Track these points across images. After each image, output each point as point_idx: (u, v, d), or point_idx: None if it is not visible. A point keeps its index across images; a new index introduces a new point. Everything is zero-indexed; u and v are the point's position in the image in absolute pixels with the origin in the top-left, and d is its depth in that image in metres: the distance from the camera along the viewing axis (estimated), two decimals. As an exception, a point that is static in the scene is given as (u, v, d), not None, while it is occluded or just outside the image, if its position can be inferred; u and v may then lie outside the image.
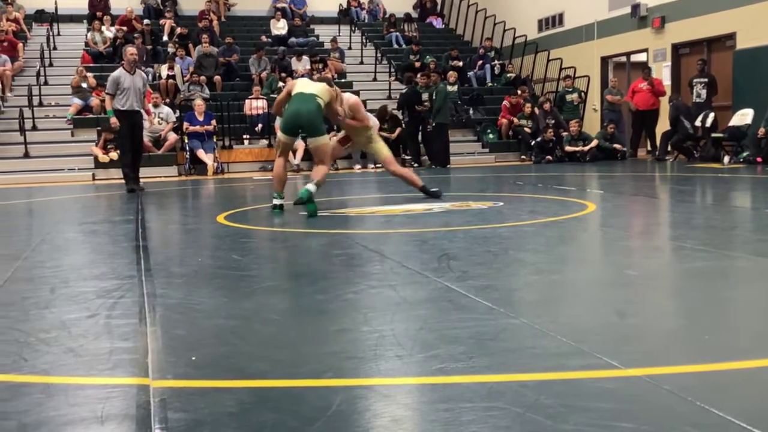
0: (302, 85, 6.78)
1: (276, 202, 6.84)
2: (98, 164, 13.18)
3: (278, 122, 7.86)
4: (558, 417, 1.88)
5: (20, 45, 16.41)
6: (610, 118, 14.81)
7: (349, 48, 18.79)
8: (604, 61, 16.48)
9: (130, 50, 9.79)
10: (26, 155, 13.48)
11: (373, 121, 7.46)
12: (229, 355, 2.50)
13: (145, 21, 17.58)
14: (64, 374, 2.33)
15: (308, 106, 6.59)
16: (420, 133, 14.19)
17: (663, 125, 14.13)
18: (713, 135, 12.65)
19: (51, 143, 13.87)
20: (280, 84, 15.81)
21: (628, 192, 8.56)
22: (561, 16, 17.75)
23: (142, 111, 9.99)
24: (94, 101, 14.59)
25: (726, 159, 12.01)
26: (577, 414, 1.89)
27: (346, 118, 7.05)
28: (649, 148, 14.76)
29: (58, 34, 17.89)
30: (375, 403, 2.07)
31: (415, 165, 14.02)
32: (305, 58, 16.65)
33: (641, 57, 15.55)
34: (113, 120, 9.67)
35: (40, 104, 14.79)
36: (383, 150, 7.43)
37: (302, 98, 6.64)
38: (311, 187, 6.38)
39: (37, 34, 17.79)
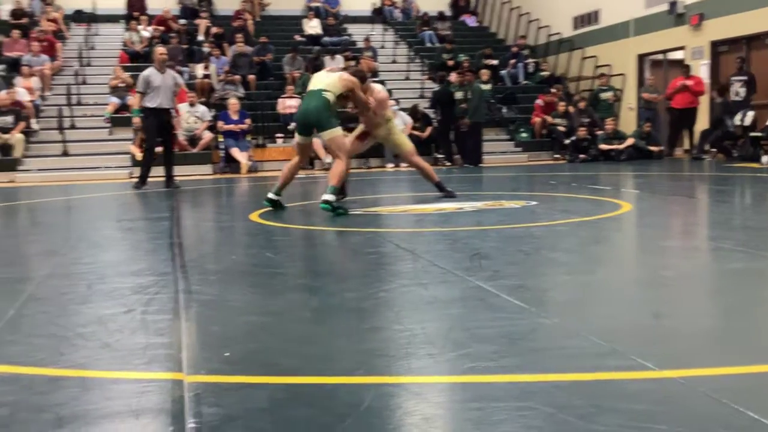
0: (313, 82, 6.81)
1: (269, 195, 6.84)
2: (135, 162, 13.35)
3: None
4: (590, 418, 1.86)
5: (59, 45, 16.70)
6: (646, 116, 14.62)
7: (382, 47, 18.80)
8: (641, 58, 16.26)
9: (160, 50, 9.97)
10: (65, 153, 13.73)
11: (391, 113, 7.30)
12: (262, 351, 2.53)
13: (181, 21, 17.80)
14: (100, 368, 2.37)
15: (314, 103, 6.56)
16: (452, 131, 14.15)
17: (701, 124, 13.91)
18: (752, 134, 12.41)
19: (89, 141, 14.11)
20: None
21: (664, 191, 8.44)
22: (597, 13, 17.56)
23: (171, 110, 10.08)
24: (131, 100, 14.79)
25: (765, 158, 11.78)
26: (610, 415, 1.88)
27: (370, 108, 6.93)
28: (686, 147, 14.54)
29: (96, 34, 18.18)
30: (406, 401, 2.07)
31: (448, 164, 13.99)
32: (338, 57, 16.70)
33: (679, 55, 15.32)
34: (136, 119, 9.85)
35: (79, 103, 15.04)
36: (405, 142, 7.37)
37: (309, 95, 6.66)
38: (328, 197, 6.29)
39: (76, 33, 18.10)
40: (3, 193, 10.72)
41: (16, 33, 16.04)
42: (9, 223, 7.58)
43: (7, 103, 13.32)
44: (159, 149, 10.25)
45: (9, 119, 13.30)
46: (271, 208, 6.75)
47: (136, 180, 10.03)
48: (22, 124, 13.41)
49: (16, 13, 17.43)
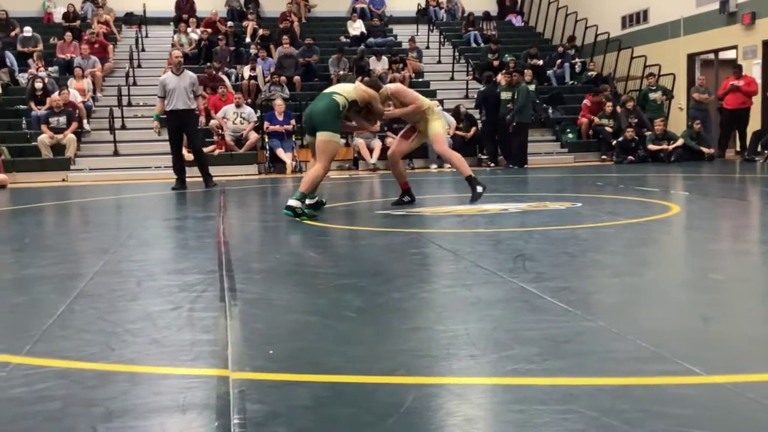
0: (330, 88, 6.86)
1: (308, 201, 6.60)
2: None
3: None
4: (635, 422, 1.84)
5: (110, 47, 17.08)
6: (696, 117, 14.32)
7: (427, 47, 18.78)
8: (691, 58, 15.94)
9: (176, 53, 10.33)
10: (116, 153, 14.04)
11: (425, 101, 6.96)
12: (305, 349, 2.55)
13: (229, 23, 18.03)
14: (148, 364, 2.42)
15: (322, 103, 6.47)
16: (497, 132, 14.05)
17: (753, 124, 13.58)
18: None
19: (139, 142, 14.40)
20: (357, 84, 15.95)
21: (714, 193, 8.26)
22: (646, 12, 17.27)
23: (193, 109, 10.16)
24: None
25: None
26: (655, 420, 1.85)
27: (396, 108, 6.82)
28: (737, 148, 14.20)
29: (146, 36, 18.55)
30: (448, 402, 2.07)
31: (492, 165, 13.91)
32: (384, 58, 16.74)
33: (730, 54, 14.98)
34: (155, 124, 10.19)
35: (129, 104, 15.36)
36: (437, 128, 6.91)
37: (320, 97, 6.63)
38: (293, 202, 6.16)
39: (127, 36, 18.49)
40: (56, 191, 11.00)
41: (68, 36, 16.46)
42: (61, 222, 7.78)
43: (60, 104, 13.67)
44: (188, 153, 10.51)
45: (62, 120, 13.65)
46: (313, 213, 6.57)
47: (175, 185, 10.25)
48: (74, 125, 13.75)
49: (69, 16, 17.89)
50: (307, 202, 6.53)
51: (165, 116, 10.15)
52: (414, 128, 7.10)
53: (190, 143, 10.55)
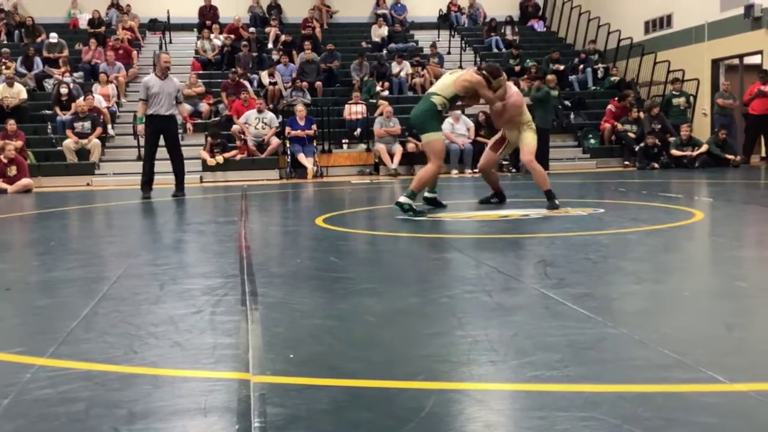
0: (433, 85, 7.00)
1: (426, 194, 7.11)
2: (205, 167, 13.70)
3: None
4: (657, 430, 1.82)
5: (134, 53, 17.27)
6: (721, 122, 14.17)
7: (448, 53, 18.77)
8: (715, 63, 15.79)
9: (164, 57, 9.90)
10: (139, 158, 14.11)
11: (526, 112, 7.02)
12: (326, 353, 2.56)
13: (251, 29, 18.15)
14: (171, 367, 2.44)
15: (421, 106, 6.78)
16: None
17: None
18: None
19: (161, 147, 14.48)
20: (378, 89, 16.00)
21: (739, 200, 8.17)
22: (669, 17, 17.14)
23: (176, 116, 9.90)
24: (203, 107, 15.18)
25: None
26: (678, 428, 1.83)
27: (497, 104, 6.81)
28: (763, 154, 14.04)
29: (170, 42, 18.71)
30: (468, 407, 2.07)
31: (513, 171, 13.86)
32: (405, 63, 16.77)
33: (755, 59, 14.81)
34: (140, 127, 9.75)
35: (153, 110, 15.47)
36: (530, 138, 6.94)
37: (422, 99, 6.88)
38: (403, 199, 6.51)
39: (151, 42, 18.67)
40: (80, 196, 11.13)
41: (93, 42, 16.67)
42: (86, 225, 7.87)
43: (85, 109, 13.84)
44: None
45: (87, 125, 13.82)
46: (433, 207, 7.07)
47: (143, 194, 9.82)
48: (99, 130, 13.91)
49: (94, 23, 18.11)
50: (427, 195, 7.07)
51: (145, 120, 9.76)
52: (503, 139, 7.16)
53: (172, 149, 10.02)
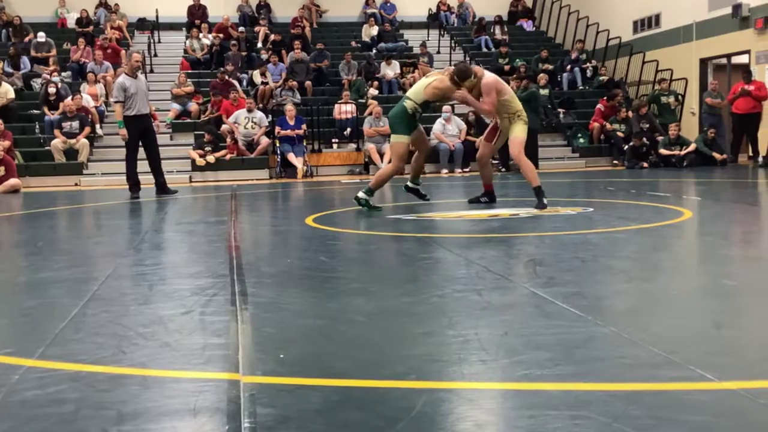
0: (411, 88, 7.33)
1: (408, 183, 7.63)
2: (195, 167, 13.66)
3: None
4: (647, 429, 1.83)
5: (123, 52, 17.16)
6: (709, 122, 14.25)
7: (438, 52, 18.79)
8: (703, 63, 15.87)
9: (136, 56, 9.81)
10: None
11: (514, 107, 6.94)
12: (316, 353, 2.55)
13: (241, 28, 18.11)
14: (160, 367, 2.43)
15: (394, 109, 7.20)
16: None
17: (765, 129, 13.49)
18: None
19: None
20: (367, 87, 15.99)
21: (727, 199, 8.22)
22: (658, 17, 17.22)
23: (149, 114, 9.88)
24: (193, 106, 15.13)
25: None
26: (668, 426, 1.84)
27: (470, 97, 6.87)
28: (750, 153, 14.12)
29: (159, 42, 18.65)
30: (458, 407, 2.07)
31: (503, 170, 13.88)
32: (395, 62, 16.78)
33: (743, 59, 14.90)
34: (123, 132, 9.53)
35: (141, 109, 15.41)
36: (519, 131, 6.88)
37: (401, 100, 7.20)
38: (361, 195, 6.99)
39: (139, 41, 18.59)
40: (68, 196, 11.08)
41: (81, 41, 16.58)
42: (74, 226, 7.83)
43: (73, 109, 13.77)
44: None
45: (75, 124, 13.74)
46: (417, 198, 7.52)
47: (131, 194, 9.77)
48: (87, 130, 13.84)
49: (82, 22, 18.02)
50: (409, 185, 7.58)
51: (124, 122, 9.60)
52: (495, 128, 7.15)
53: (153, 148, 9.93)
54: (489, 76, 6.91)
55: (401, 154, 7.04)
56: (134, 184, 9.87)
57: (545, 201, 6.66)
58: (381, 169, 7.44)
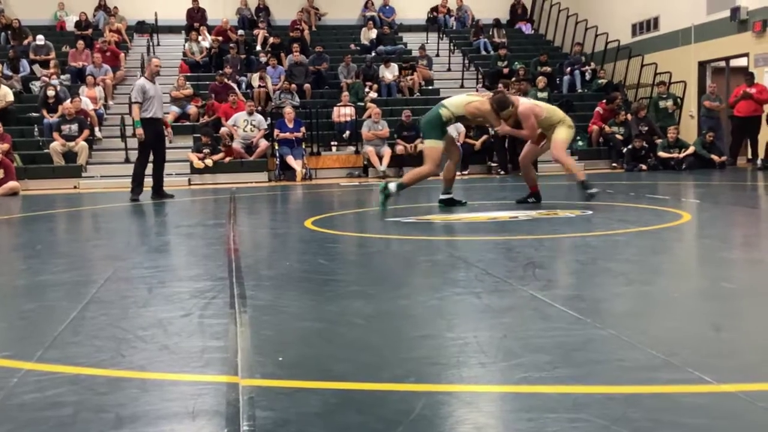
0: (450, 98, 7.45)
1: (441, 196, 7.54)
2: (194, 170, 13.65)
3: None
4: (646, 431, 1.83)
5: (122, 55, 17.19)
6: (708, 125, 14.26)
7: (437, 55, 18.81)
8: (702, 66, 15.90)
9: (155, 61, 10.02)
10: (127, 160, 14.08)
11: (556, 117, 7.35)
12: (315, 356, 2.55)
13: (240, 31, 18.11)
14: (159, 370, 2.43)
15: (428, 114, 7.31)
16: (507, 139, 14.02)
17: (765, 132, 13.51)
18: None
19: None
20: (366, 90, 16.00)
21: (726, 201, 8.22)
22: (656, 20, 17.24)
23: (163, 120, 10.05)
24: (191, 109, 15.14)
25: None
26: (667, 429, 1.84)
27: (507, 126, 7.23)
28: (749, 155, 14.14)
29: (158, 45, 18.65)
30: (457, 410, 2.07)
31: (502, 172, 13.89)
32: (393, 65, 16.79)
33: (741, 62, 14.92)
34: (140, 131, 9.63)
35: (140, 112, 15.41)
36: (560, 133, 7.32)
37: (434, 106, 7.31)
38: (392, 186, 7.11)
39: (138, 44, 18.59)
40: (67, 199, 11.07)
41: (80, 44, 16.58)
42: (73, 229, 7.83)
43: (72, 112, 13.76)
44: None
45: (74, 127, 13.74)
46: (446, 207, 7.39)
47: (131, 196, 9.81)
48: (86, 132, 13.84)
49: (81, 25, 18.02)
50: (442, 197, 7.52)
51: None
52: (543, 135, 7.50)
53: (160, 153, 10.01)
54: (524, 104, 7.29)
55: (436, 158, 7.20)
56: (138, 185, 9.94)
57: (593, 191, 7.30)
58: (416, 169, 7.48)
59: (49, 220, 8.25)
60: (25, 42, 17.04)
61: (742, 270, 4.16)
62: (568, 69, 17.24)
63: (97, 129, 14.60)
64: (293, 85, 15.59)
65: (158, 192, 9.99)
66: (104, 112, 15.32)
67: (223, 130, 14.17)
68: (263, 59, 16.82)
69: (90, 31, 17.89)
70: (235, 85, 15.55)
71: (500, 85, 14.70)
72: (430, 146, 7.19)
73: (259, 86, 15.59)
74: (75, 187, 13.15)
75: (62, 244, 6.34)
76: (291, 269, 4.41)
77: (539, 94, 14.59)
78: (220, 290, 3.64)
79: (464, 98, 7.29)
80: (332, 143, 14.89)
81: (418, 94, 16.76)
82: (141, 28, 19.32)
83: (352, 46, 18.57)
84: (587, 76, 17.40)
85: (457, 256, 4.63)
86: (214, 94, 15.09)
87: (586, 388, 2.14)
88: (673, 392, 2.10)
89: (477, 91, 7.22)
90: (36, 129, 14.32)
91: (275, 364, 2.45)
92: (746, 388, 2.09)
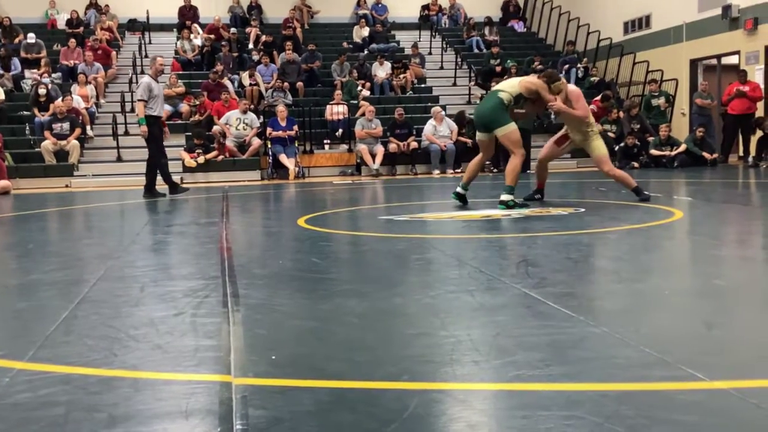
0: (495, 86, 7.32)
1: (457, 189, 7.34)
2: (186, 168, 13.62)
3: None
4: (639, 428, 1.84)
5: (113, 53, 17.13)
6: (699, 122, 14.32)
7: (429, 53, 18.81)
8: (693, 63, 15.95)
9: (160, 60, 10.27)
10: (119, 159, 14.06)
11: (591, 115, 7.39)
12: (308, 355, 2.55)
13: (232, 29, 18.06)
14: (151, 370, 2.42)
15: (489, 103, 7.14)
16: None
17: (757, 130, 13.56)
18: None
19: (142, 148, 14.34)
20: (359, 89, 15.99)
21: (718, 199, 8.26)
22: (648, 17, 17.29)
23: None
24: (184, 107, 15.09)
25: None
26: (660, 426, 1.85)
27: (563, 106, 7.10)
28: (741, 153, 14.20)
29: (150, 43, 18.58)
30: (451, 408, 2.07)
31: (495, 170, 13.91)
32: (386, 63, 16.79)
33: (733, 60, 14.98)
34: (144, 128, 9.73)
35: (132, 110, 15.35)
36: (600, 148, 7.31)
37: (487, 97, 7.20)
38: (504, 197, 6.82)
39: (130, 42, 18.52)
40: (59, 197, 11.03)
41: (72, 42, 16.51)
42: (65, 228, 7.80)
43: (64, 110, 13.70)
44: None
45: (65, 126, 13.69)
46: (457, 202, 7.32)
47: (176, 190, 10.19)
48: (77, 131, 13.78)
49: (72, 23, 17.94)
50: (457, 191, 7.31)
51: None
52: (567, 136, 7.48)
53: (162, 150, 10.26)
54: (573, 86, 7.35)
55: (516, 140, 6.99)
56: (172, 183, 10.26)
57: (646, 194, 7.29)
58: (508, 165, 7.14)
59: (40, 219, 8.22)
60: (16, 40, 16.95)
61: (733, 267, 4.17)
62: (566, 67, 17.24)
63: (88, 127, 14.54)
64: (286, 84, 15.56)
65: (149, 190, 10.00)
66: (96, 110, 15.25)
67: (215, 128, 14.13)
68: (256, 57, 16.78)
69: (81, 29, 17.81)
70: (228, 83, 15.50)
71: (493, 82, 14.73)
72: (509, 131, 6.96)
73: (251, 84, 15.55)
74: (67, 186, 13.10)
75: (54, 243, 6.31)
76: (284, 268, 4.41)
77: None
78: (213, 289, 3.63)
79: (515, 79, 7.31)
80: (325, 141, 14.88)
81: (410, 92, 16.76)
82: (133, 26, 19.25)
83: (345, 44, 18.55)
84: (579, 74, 17.43)
85: (450, 254, 4.64)
86: (207, 93, 15.04)
87: (579, 385, 2.15)
88: (665, 389, 2.11)
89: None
90: (27, 127, 14.25)
91: (268, 363, 2.44)
92: (738, 385, 2.10)
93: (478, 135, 7.34)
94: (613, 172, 7.42)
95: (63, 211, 9.24)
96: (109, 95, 16.04)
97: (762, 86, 13.88)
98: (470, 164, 7.65)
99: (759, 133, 13.29)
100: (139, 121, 9.87)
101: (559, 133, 7.66)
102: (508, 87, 7.08)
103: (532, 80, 7.19)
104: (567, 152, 7.86)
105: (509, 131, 6.96)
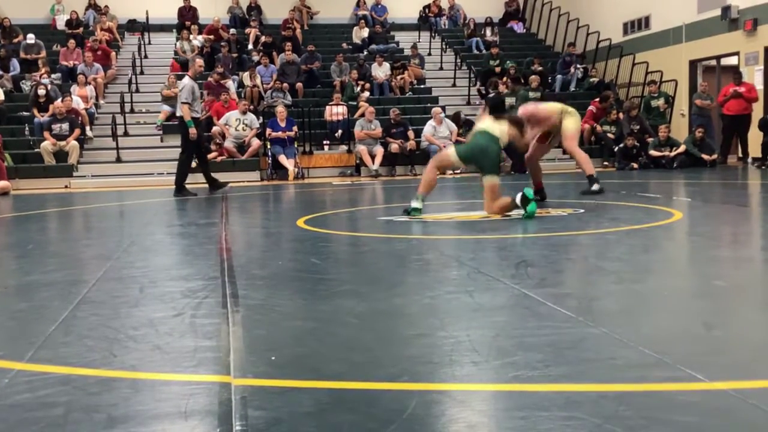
0: (487, 124, 6.64)
1: (413, 204, 6.64)
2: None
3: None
4: (638, 429, 1.83)
5: (113, 54, 17.13)
6: (699, 123, 14.32)
7: (429, 54, 18.81)
8: (693, 64, 15.95)
9: (199, 61, 10.38)
10: (118, 160, 14.06)
11: (556, 108, 7.38)
12: (308, 355, 2.55)
13: (231, 30, 18.06)
14: (150, 370, 2.42)
15: (493, 147, 6.50)
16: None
17: (754, 130, 13.57)
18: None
19: (141, 148, 14.41)
20: (357, 90, 15.98)
21: (717, 200, 8.26)
22: (647, 18, 17.29)
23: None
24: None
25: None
26: (659, 427, 1.85)
27: (530, 133, 7.08)
28: (740, 154, 14.20)
29: (149, 43, 18.59)
30: (450, 409, 2.07)
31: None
32: (386, 64, 16.79)
33: (732, 60, 14.98)
34: (193, 131, 9.79)
35: (132, 111, 15.39)
36: (571, 124, 7.30)
37: (485, 136, 6.52)
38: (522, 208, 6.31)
39: (129, 43, 18.53)
40: (58, 198, 11.02)
41: (71, 43, 16.51)
42: (64, 228, 7.79)
43: (63, 111, 13.71)
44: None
45: (65, 127, 13.69)
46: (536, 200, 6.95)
47: (220, 188, 10.38)
48: (77, 132, 13.78)
49: (72, 23, 17.94)
50: (527, 190, 6.82)
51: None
52: (549, 134, 7.45)
53: (198, 149, 10.47)
54: (522, 108, 7.30)
55: (497, 192, 6.43)
56: (212, 180, 10.37)
57: (596, 187, 7.31)
58: (497, 205, 6.48)
59: (40, 220, 8.22)
60: (16, 41, 16.94)
61: (733, 268, 4.17)
62: (571, 67, 17.24)
63: (88, 128, 14.54)
64: (285, 84, 15.56)
65: (215, 184, 10.31)
66: (95, 111, 15.25)
67: (215, 129, 14.13)
68: (255, 58, 16.78)
69: (81, 29, 17.81)
70: (229, 83, 15.49)
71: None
72: (494, 183, 6.42)
73: (252, 85, 15.55)
74: (66, 187, 13.09)
75: (53, 244, 6.31)
76: (283, 268, 4.41)
77: (531, 94, 14.60)
78: (212, 290, 3.63)
79: (500, 126, 6.67)
80: (324, 142, 14.88)
81: (410, 93, 16.76)
82: (132, 26, 19.25)
83: (344, 45, 18.56)
84: (579, 75, 17.44)
85: (450, 254, 4.64)
86: (207, 92, 15.03)
87: (578, 386, 2.15)
88: (665, 390, 2.11)
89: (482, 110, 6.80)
90: (27, 128, 14.25)
91: (268, 364, 2.44)
92: (737, 386, 2.10)
93: (458, 161, 6.74)
94: (575, 150, 7.38)
95: (62, 211, 9.23)
96: (108, 96, 16.04)
97: (762, 87, 13.89)
98: (533, 170, 7.55)
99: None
100: (187, 123, 9.86)
101: (540, 133, 7.50)
102: (500, 134, 6.57)
103: (509, 132, 6.67)
104: (555, 146, 7.81)
105: (494, 183, 6.41)
